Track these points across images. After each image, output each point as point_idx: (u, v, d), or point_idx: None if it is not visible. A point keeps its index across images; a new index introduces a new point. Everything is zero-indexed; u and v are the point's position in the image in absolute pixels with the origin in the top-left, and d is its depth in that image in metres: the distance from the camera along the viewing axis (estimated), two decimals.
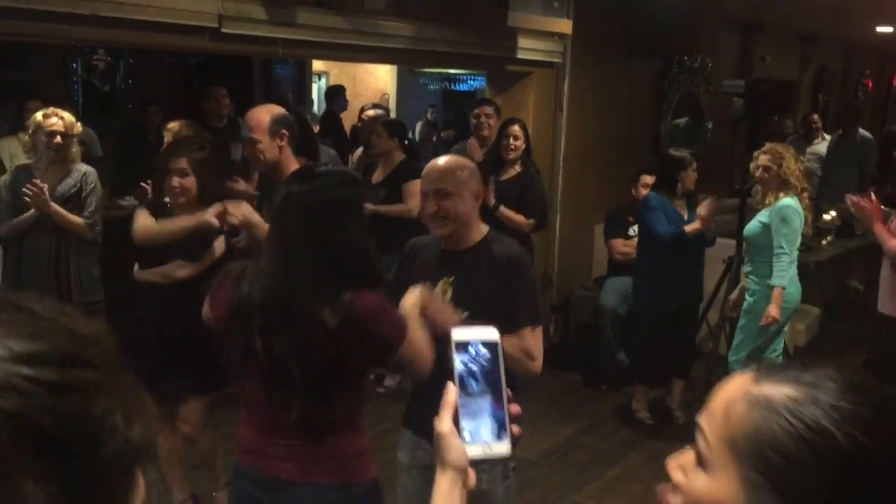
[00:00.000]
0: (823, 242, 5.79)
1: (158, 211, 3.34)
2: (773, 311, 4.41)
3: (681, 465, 0.91)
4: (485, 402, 1.10)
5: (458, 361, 1.10)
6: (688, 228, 4.68)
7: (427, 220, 2.49)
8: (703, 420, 0.88)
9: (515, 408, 1.11)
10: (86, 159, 5.36)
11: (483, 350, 1.11)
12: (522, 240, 5.58)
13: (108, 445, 0.51)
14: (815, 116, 8.81)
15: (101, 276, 4.28)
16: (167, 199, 3.30)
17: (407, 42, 4.80)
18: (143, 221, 3.30)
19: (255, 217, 3.08)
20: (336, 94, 8.88)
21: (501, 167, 5.06)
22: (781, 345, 4.82)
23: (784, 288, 4.44)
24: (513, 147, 5.00)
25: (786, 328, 4.82)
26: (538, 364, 2.47)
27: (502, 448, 1.09)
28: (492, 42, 5.37)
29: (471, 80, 12.77)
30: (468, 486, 1.10)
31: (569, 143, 6.29)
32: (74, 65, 9.18)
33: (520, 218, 4.93)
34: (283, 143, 3.27)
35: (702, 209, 4.69)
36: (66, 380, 0.50)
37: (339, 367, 2.02)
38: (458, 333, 1.12)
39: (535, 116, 6.01)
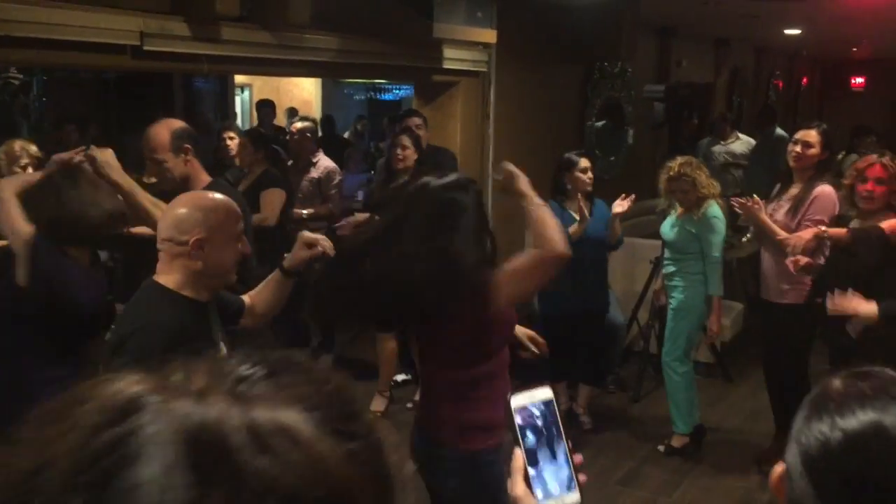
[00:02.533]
0: (743, 240, 5.97)
1: None
2: (715, 326, 4.70)
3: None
4: (550, 458, 1.16)
5: (520, 425, 1.16)
6: (570, 230, 4.53)
7: None
8: None
9: (578, 457, 1.19)
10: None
11: (540, 409, 1.18)
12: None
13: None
14: (727, 115, 9.12)
15: None
16: None
17: (332, 55, 4.79)
18: None
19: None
20: (262, 108, 8.77)
21: (393, 177, 5.01)
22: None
23: (722, 296, 4.64)
24: (401, 157, 4.98)
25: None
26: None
27: (573, 497, 1.16)
28: (417, 53, 5.40)
29: (396, 89, 12.80)
30: None
31: (497, 150, 6.36)
32: None
33: None
34: (189, 157, 3.22)
35: (615, 206, 4.71)
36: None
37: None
38: (516, 399, 1.17)
39: (463, 125, 6.06)
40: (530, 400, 1.18)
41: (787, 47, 13.23)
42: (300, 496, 0.44)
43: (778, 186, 4.62)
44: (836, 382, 1.00)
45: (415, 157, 4.98)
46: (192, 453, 0.43)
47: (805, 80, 15.93)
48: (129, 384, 0.46)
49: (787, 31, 10.15)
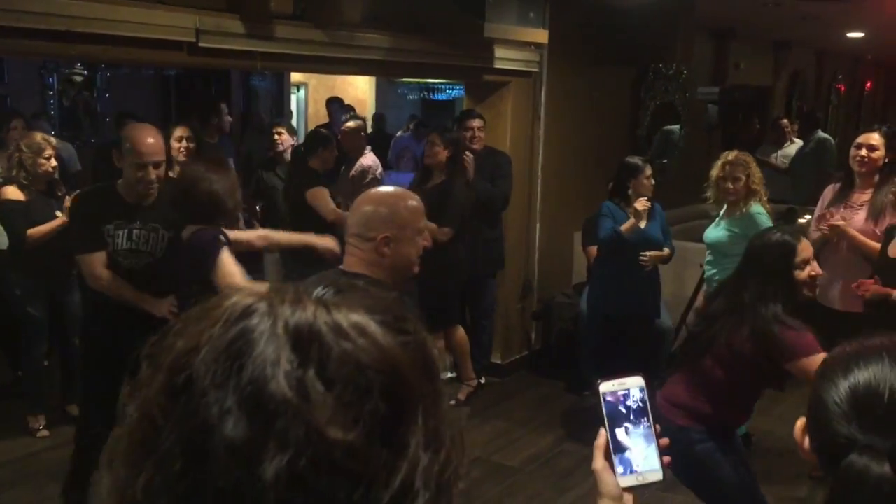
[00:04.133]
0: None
1: None
2: None
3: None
4: (637, 439, 1.30)
5: (606, 408, 1.30)
6: (623, 227, 4.71)
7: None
8: None
9: (664, 441, 1.32)
10: (64, 173, 5.39)
11: (631, 394, 1.31)
12: (496, 246, 5.65)
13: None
14: (785, 121, 8.95)
15: None
16: None
17: (384, 53, 4.83)
18: None
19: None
20: (331, 105, 8.76)
21: (429, 177, 5.15)
22: None
23: None
24: (429, 154, 5.11)
25: None
26: None
27: (656, 475, 1.31)
28: (468, 52, 5.41)
29: (449, 89, 12.81)
30: None
31: (546, 152, 6.34)
32: (50, 79, 9.14)
33: (432, 226, 4.92)
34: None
35: (637, 204, 4.72)
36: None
37: None
38: (605, 385, 1.31)
39: (513, 125, 6.06)
40: (621, 386, 1.31)
41: (849, 50, 12.91)
42: (370, 369, 0.60)
43: (834, 189, 4.53)
44: (846, 346, 1.11)
45: (446, 154, 5.04)
46: (292, 340, 0.60)
47: (868, 84, 15.53)
48: (244, 297, 0.64)
49: (850, 35, 9.92)
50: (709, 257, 4.80)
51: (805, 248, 3.01)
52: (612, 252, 4.90)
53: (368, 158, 5.87)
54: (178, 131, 5.10)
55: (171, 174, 4.71)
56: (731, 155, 4.66)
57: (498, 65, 5.65)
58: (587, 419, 5.35)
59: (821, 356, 2.47)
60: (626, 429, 1.30)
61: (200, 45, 3.88)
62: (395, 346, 0.63)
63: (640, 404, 1.31)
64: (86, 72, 9.28)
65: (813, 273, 3.01)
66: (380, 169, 6.14)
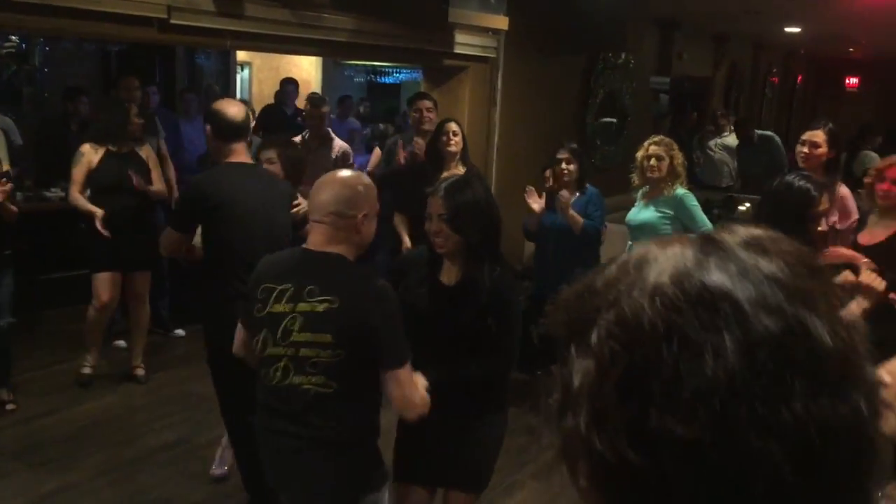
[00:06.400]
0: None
1: None
2: None
3: (890, 370, 1.29)
4: None
5: None
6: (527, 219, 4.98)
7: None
8: None
9: None
10: (10, 148, 5.29)
11: None
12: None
13: None
14: (721, 111, 9.27)
15: None
16: None
17: (350, 35, 4.86)
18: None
19: None
20: (287, 86, 8.63)
21: (443, 165, 5.11)
22: None
23: None
24: (454, 143, 5.06)
25: None
26: None
27: None
28: (431, 36, 5.48)
29: (396, 72, 12.82)
30: None
31: (502, 137, 6.46)
32: None
33: None
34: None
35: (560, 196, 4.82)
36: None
37: None
38: None
39: (470, 111, 6.15)
40: None
41: (784, 44, 13.36)
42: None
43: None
44: None
45: (461, 143, 5.03)
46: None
47: (800, 77, 16.08)
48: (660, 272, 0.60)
49: (787, 29, 10.28)
50: (633, 240, 4.90)
51: (823, 203, 3.00)
52: (537, 238, 5.10)
53: (340, 141, 5.90)
54: (135, 107, 5.09)
55: (114, 149, 4.82)
56: (656, 137, 4.83)
57: (458, 49, 5.73)
58: (537, 394, 5.49)
59: None
60: None
61: (172, 21, 3.87)
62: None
63: None
64: (24, 45, 9.00)
65: (823, 229, 3.01)
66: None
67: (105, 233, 4.63)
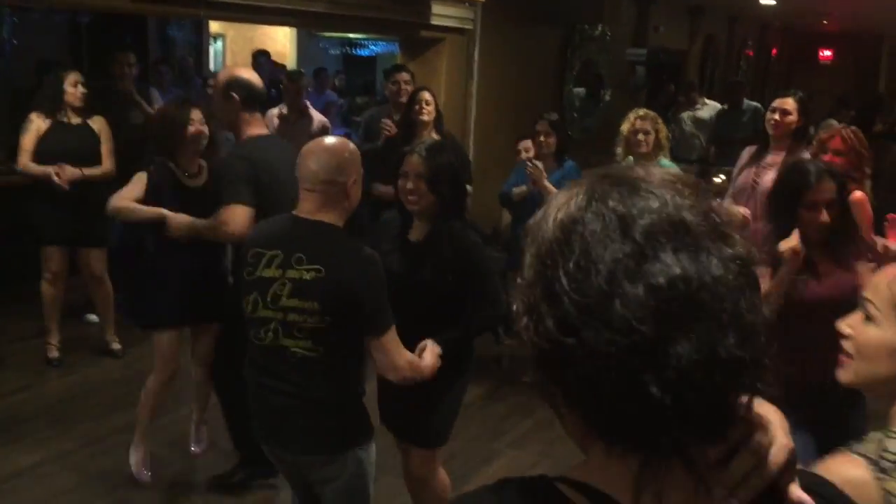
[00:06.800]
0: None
1: None
2: None
3: (849, 323, 1.40)
4: None
5: None
6: (515, 191, 4.93)
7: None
8: (869, 293, 1.38)
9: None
10: None
11: None
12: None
13: None
14: (694, 83, 9.29)
15: None
16: None
17: (327, 6, 4.82)
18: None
19: None
20: (259, 58, 8.57)
21: (416, 134, 5.08)
22: None
23: None
24: (426, 111, 5.04)
25: None
26: None
27: None
28: (407, 7, 5.45)
29: (372, 45, 12.73)
30: None
31: (479, 108, 6.45)
32: None
33: None
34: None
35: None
36: None
37: None
38: None
39: (447, 82, 6.13)
40: None
41: (759, 17, 13.40)
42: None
43: (751, 151, 4.76)
44: None
45: (435, 112, 5.01)
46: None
47: (774, 50, 16.16)
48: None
49: (763, 1, 10.30)
50: None
51: (821, 192, 2.79)
52: (510, 208, 5.13)
53: (318, 115, 5.87)
54: (73, 77, 4.94)
55: (64, 120, 4.76)
56: (641, 111, 4.85)
57: (435, 21, 5.70)
58: (513, 366, 5.51)
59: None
60: None
61: None
62: None
63: None
64: None
65: (819, 220, 2.78)
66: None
67: (66, 187, 4.60)
